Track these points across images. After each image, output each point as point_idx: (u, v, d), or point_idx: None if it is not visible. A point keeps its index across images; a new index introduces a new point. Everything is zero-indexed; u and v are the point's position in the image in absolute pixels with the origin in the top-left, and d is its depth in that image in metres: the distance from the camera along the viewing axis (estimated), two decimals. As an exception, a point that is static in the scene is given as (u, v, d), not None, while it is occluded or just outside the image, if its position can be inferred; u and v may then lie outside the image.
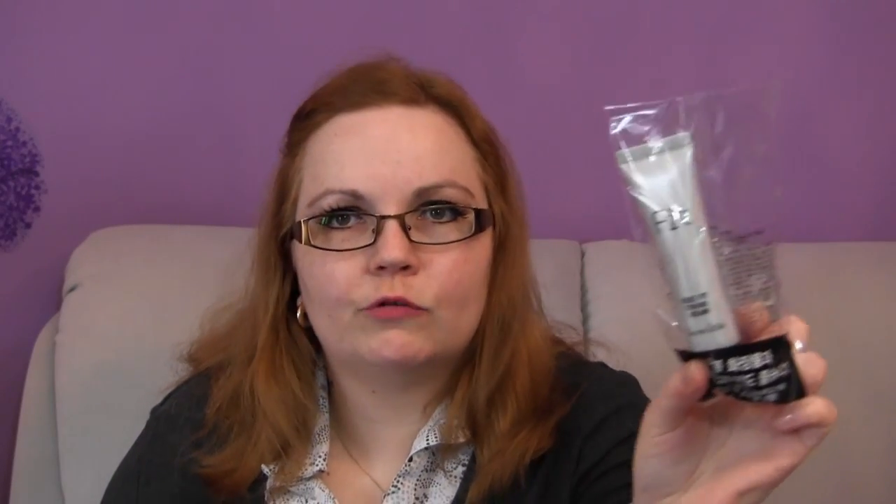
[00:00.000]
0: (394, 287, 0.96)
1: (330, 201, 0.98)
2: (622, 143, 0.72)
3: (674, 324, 0.69)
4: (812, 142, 1.69)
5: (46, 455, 1.38)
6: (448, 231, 0.99)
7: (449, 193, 0.99)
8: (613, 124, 0.74)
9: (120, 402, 1.33)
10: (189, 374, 1.17)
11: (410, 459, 1.04)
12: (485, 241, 1.02)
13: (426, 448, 1.04)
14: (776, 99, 0.70)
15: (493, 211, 1.03)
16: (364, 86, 1.01)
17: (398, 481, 1.04)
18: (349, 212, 0.98)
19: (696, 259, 0.68)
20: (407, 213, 0.97)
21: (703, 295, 0.68)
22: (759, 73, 1.66)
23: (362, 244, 0.97)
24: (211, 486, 1.04)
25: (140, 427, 1.14)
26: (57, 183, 1.52)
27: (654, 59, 1.63)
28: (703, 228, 0.68)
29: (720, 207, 0.69)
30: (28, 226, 1.52)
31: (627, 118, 0.73)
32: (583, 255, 1.54)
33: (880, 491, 1.48)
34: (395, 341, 0.98)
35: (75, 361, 1.36)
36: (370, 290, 0.97)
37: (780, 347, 0.69)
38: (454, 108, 1.03)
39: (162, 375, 1.19)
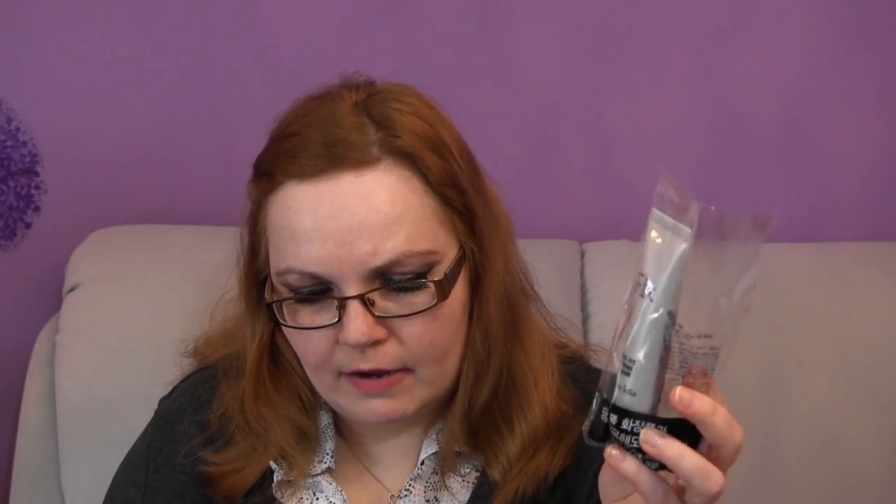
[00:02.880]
0: (366, 359, 0.97)
1: (293, 279, 0.97)
2: (658, 205, 0.80)
3: (608, 368, 0.79)
4: (811, 142, 1.69)
5: (46, 455, 1.38)
6: (413, 297, 0.97)
7: (407, 265, 0.96)
8: (660, 185, 0.80)
9: (120, 403, 1.33)
10: (196, 367, 1.17)
11: (422, 463, 1.05)
12: (455, 293, 0.99)
13: (434, 453, 1.05)
14: (768, 231, 0.77)
15: (463, 251, 1.01)
16: (315, 149, 0.97)
17: (409, 484, 1.05)
18: (313, 292, 0.97)
19: (644, 330, 0.77)
20: (367, 291, 0.96)
21: (634, 361, 0.77)
22: (758, 73, 1.66)
23: (328, 321, 0.97)
24: (211, 485, 1.05)
25: (140, 427, 1.14)
26: (57, 183, 1.52)
27: (654, 58, 1.63)
28: (662, 311, 0.76)
29: (686, 305, 0.77)
30: (28, 226, 1.51)
31: (668, 188, 0.80)
32: (583, 255, 1.54)
33: (880, 491, 1.48)
34: (380, 409, 0.99)
35: (75, 361, 1.36)
36: (344, 360, 0.98)
37: (682, 429, 0.77)
38: (410, 157, 0.97)
39: (162, 375, 1.19)
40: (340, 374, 0.99)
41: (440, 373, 1.00)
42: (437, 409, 1.06)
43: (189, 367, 1.18)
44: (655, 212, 0.79)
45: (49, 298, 1.49)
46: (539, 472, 1.01)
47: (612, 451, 0.79)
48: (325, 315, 0.97)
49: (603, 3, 1.61)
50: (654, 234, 0.78)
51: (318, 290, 0.97)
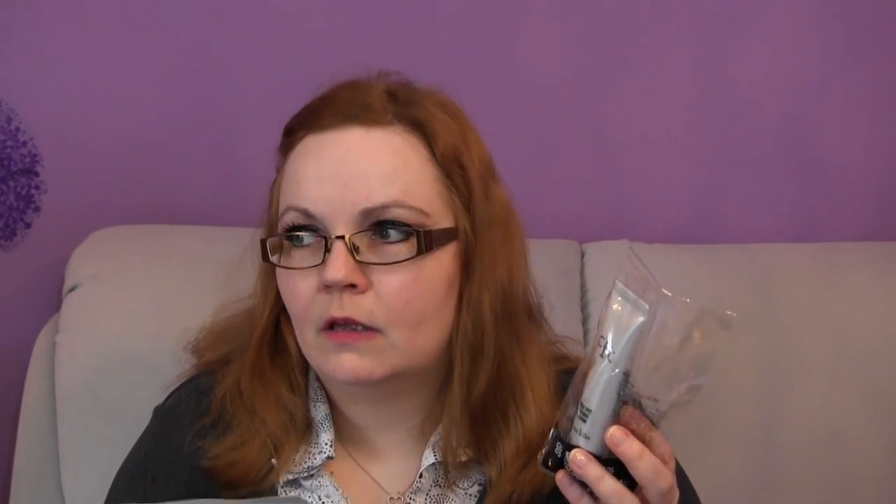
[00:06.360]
0: (342, 306, 0.99)
1: (289, 218, 1.02)
2: (622, 277, 0.91)
3: (566, 411, 0.92)
4: (812, 142, 1.69)
5: (46, 455, 1.38)
6: (398, 251, 1.00)
7: (397, 214, 1.00)
8: (628, 263, 0.91)
9: (120, 402, 1.33)
10: (192, 371, 1.17)
11: (421, 476, 1.05)
12: (440, 261, 1.02)
13: (433, 464, 1.05)
14: (729, 329, 0.89)
15: (458, 228, 1.03)
16: (334, 107, 1.04)
17: (410, 498, 1.05)
18: (304, 230, 1.01)
19: (602, 386, 0.89)
20: (354, 233, 0.99)
21: (590, 411, 0.90)
22: (758, 73, 1.66)
23: (315, 263, 1.00)
24: (216, 477, 1.05)
25: (140, 427, 1.14)
26: (57, 183, 1.51)
27: (654, 59, 1.63)
28: (618, 371, 0.89)
29: (639, 370, 0.89)
30: (28, 226, 1.51)
31: (635, 266, 0.91)
32: (583, 255, 1.54)
33: (880, 491, 1.48)
34: (347, 365, 1.00)
35: (75, 361, 1.36)
36: (321, 308, 1.00)
37: (620, 469, 0.90)
38: (420, 127, 1.03)
39: (162, 375, 1.19)
40: (319, 330, 1.01)
41: (412, 342, 1.01)
42: (431, 404, 1.07)
43: (187, 364, 1.18)
44: (619, 284, 0.91)
45: (49, 298, 1.49)
46: (535, 481, 1.01)
47: (561, 478, 0.90)
48: (313, 258, 1.01)
49: (604, 4, 1.61)
50: (616, 304, 0.90)
51: (310, 228, 1.01)
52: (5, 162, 1.50)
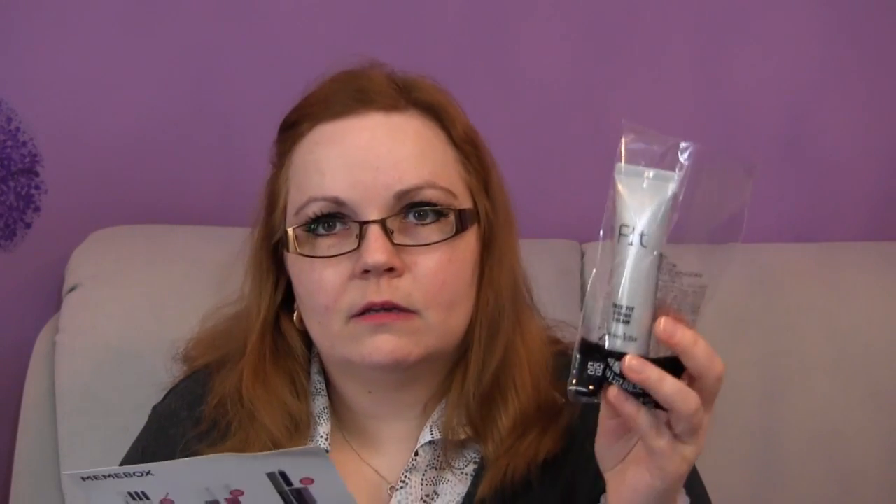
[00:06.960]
0: (380, 291, 0.99)
1: (314, 209, 1.01)
2: (623, 157, 0.83)
3: (598, 319, 0.81)
4: (811, 141, 1.69)
5: (46, 455, 1.38)
6: (431, 233, 1.01)
7: (430, 195, 1.01)
8: (625, 138, 0.84)
9: (120, 403, 1.33)
10: (188, 372, 1.17)
11: (416, 454, 1.05)
12: (469, 241, 1.03)
13: (430, 443, 1.05)
14: (754, 175, 0.81)
15: (477, 210, 1.05)
16: (345, 94, 1.03)
17: (406, 476, 1.05)
18: (333, 218, 1.01)
19: (638, 277, 0.80)
20: (388, 217, 0.99)
21: (631, 309, 0.79)
22: (758, 73, 1.66)
23: (347, 250, 1.00)
24: None
25: (139, 427, 1.14)
26: (57, 183, 1.52)
27: (654, 58, 1.63)
28: (655, 254, 0.79)
29: (676, 245, 0.80)
30: (28, 226, 1.52)
31: (635, 139, 0.83)
32: (583, 255, 1.54)
33: (880, 491, 1.48)
34: (385, 347, 1.00)
35: (75, 361, 1.36)
36: (357, 295, 0.99)
37: (672, 367, 0.80)
38: (435, 111, 1.05)
39: (162, 375, 1.19)
40: (350, 317, 1.00)
41: (446, 323, 1.02)
42: (436, 389, 1.07)
43: (179, 372, 1.18)
44: (627, 167, 0.83)
45: (49, 298, 1.49)
46: (529, 452, 1.02)
47: (616, 394, 0.81)
48: (343, 246, 1.00)
49: (605, 4, 1.61)
50: (629, 187, 0.82)
51: (338, 216, 1.00)
52: (5, 162, 1.50)
